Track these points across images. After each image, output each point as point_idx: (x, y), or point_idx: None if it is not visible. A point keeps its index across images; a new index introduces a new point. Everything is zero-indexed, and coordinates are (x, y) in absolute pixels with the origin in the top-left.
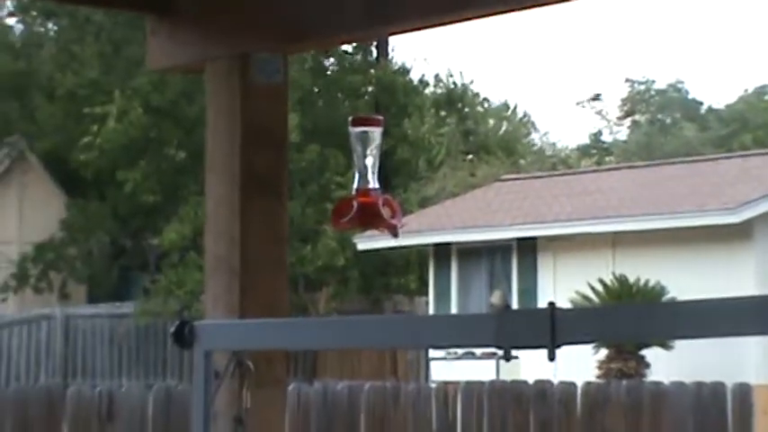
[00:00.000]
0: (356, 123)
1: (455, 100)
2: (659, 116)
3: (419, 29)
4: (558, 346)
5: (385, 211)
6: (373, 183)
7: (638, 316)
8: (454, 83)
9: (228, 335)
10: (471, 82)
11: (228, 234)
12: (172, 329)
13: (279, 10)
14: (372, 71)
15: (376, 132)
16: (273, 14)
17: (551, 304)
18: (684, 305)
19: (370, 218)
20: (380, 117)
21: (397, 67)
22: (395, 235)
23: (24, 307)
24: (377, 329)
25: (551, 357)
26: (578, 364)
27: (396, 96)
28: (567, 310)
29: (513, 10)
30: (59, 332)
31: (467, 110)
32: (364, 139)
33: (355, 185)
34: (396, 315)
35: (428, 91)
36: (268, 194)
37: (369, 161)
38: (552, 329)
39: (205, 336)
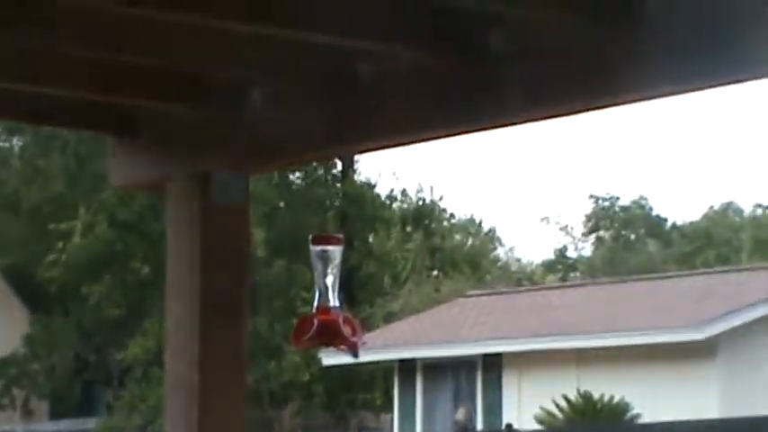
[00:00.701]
0: (316, 242)
1: (422, 216)
2: (623, 232)
3: (382, 148)
4: None
5: (345, 330)
6: (334, 301)
7: None
8: (422, 199)
9: None
10: (441, 198)
11: (188, 355)
12: None
13: (241, 132)
14: (339, 185)
15: (336, 251)
16: (236, 135)
17: (509, 426)
18: (642, 429)
19: (330, 336)
20: (340, 236)
21: (363, 181)
22: (354, 355)
23: None
24: None
25: None
26: None
27: (364, 210)
28: None
29: (473, 131)
30: None
31: (433, 226)
32: (324, 258)
33: (316, 303)
34: None
35: (395, 206)
36: (228, 315)
37: (329, 280)
38: None
39: None
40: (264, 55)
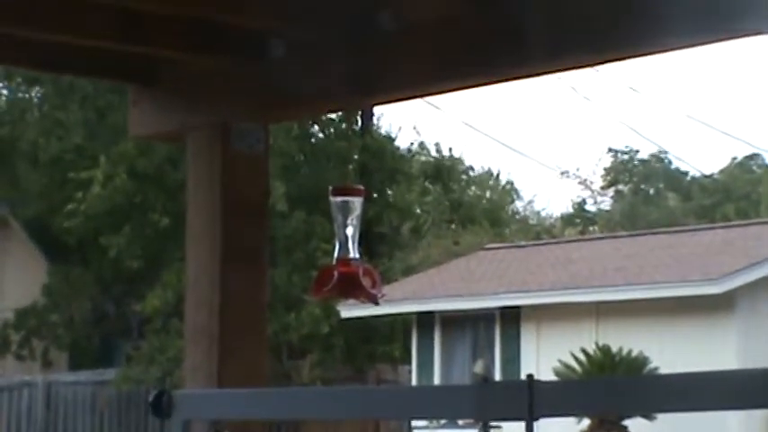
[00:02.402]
0: (337, 193)
1: (441, 169)
2: (642, 186)
3: (401, 100)
4: (536, 419)
5: (365, 281)
6: (354, 252)
7: (617, 390)
8: (440, 153)
9: (207, 405)
10: (459, 152)
11: (209, 303)
12: (150, 399)
13: (261, 81)
14: (359, 139)
15: (357, 202)
16: (255, 85)
17: (530, 377)
18: (664, 379)
19: (350, 288)
20: (361, 187)
21: (384, 135)
22: (375, 303)
23: (6, 374)
24: (355, 401)
25: (529, 430)
26: None
27: (383, 163)
28: (546, 382)
29: (492, 83)
30: (41, 400)
31: (451, 179)
32: (345, 209)
33: (336, 255)
34: (376, 387)
35: (414, 159)
36: (248, 263)
37: (349, 231)
38: (530, 402)
39: (183, 406)
40: (284, 4)
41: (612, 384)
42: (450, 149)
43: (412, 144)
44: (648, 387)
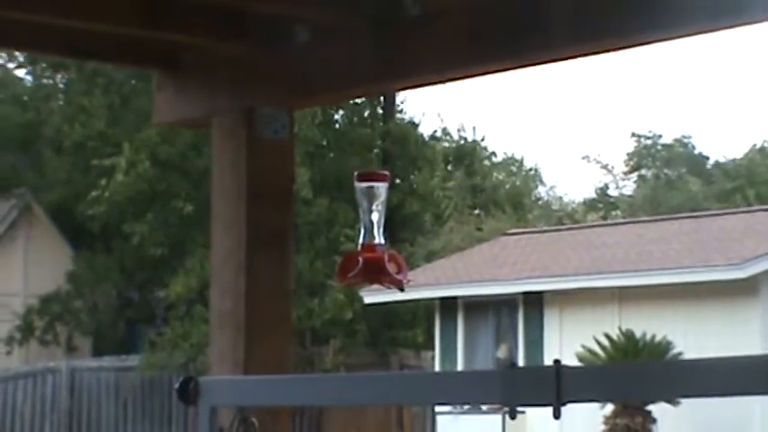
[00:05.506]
0: (362, 179)
1: (463, 155)
2: (665, 171)
3: (427, 85)
4: (564, 404)
5: (390, 267)
6: (379, 238)
7: (644, 375)
8: (463, 138)
9: (233, 391)
10: (482, 139)
11: (234, 290)
12: (176, 385)
13: (285, 66)
14: (381, 124)
15: (381, 188)
16: (280, 70)
17: (557, 362)
18: (690, 364)
19: (375, 273)
20: (386, 172)
21: (407, 120)
22: (400, 289)
23: (30, 360)
24: (381, 387)
25: (557, 416)
26: (584, 420)
27: (407, 149)
28: (573, 368)
29: (514, 68)
30: (64, 385)
31: (474, 164)
32: (370, 195)
33: (361, 241)
34: (400, 372)
35: (437, 145)
36: (273, 250)
37: (374, 216)
38: (558, 388)
39: (210, 392)
40: None
41: (639, 370)
42: (474, 128)
43: (435, 132)
44: (677, 372)
